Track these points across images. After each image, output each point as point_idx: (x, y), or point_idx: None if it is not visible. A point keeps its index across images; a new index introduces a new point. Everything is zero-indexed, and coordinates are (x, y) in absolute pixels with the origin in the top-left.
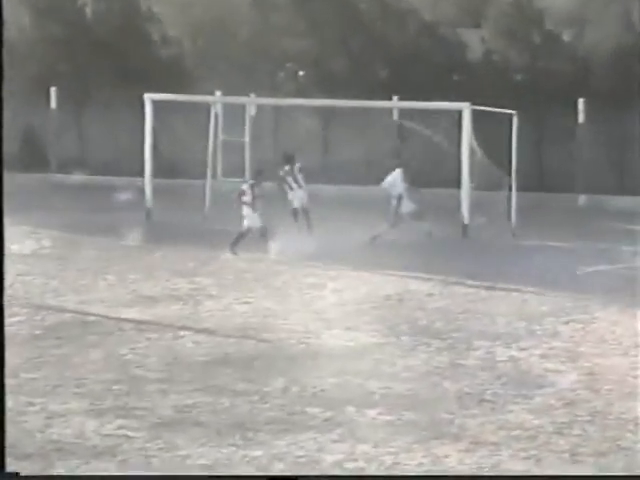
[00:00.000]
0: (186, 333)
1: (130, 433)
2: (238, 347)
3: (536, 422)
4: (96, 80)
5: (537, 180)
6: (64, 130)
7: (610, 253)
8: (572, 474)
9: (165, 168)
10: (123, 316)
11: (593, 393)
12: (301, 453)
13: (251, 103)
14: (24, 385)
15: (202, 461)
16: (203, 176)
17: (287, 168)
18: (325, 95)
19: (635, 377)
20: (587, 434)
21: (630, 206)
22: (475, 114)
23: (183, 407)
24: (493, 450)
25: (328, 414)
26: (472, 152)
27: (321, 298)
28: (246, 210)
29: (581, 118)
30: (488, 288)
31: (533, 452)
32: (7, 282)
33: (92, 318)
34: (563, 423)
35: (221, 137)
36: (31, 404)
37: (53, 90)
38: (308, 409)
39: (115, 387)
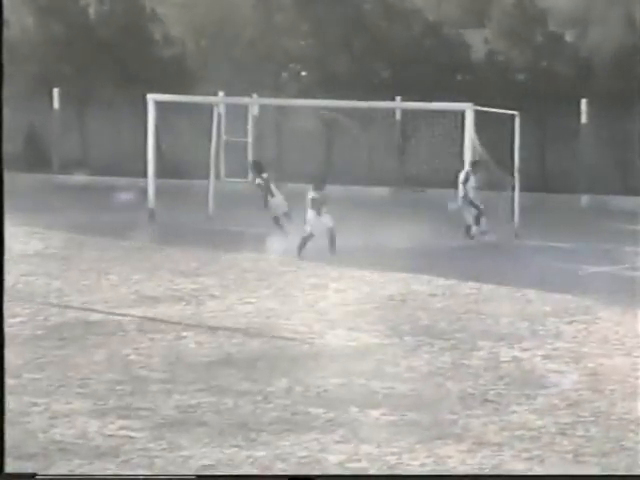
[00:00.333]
0: (189, 333)
1: (133, 433)
2: (241, 347)
3: (539, 422)
4: (99, 81)
5: (540, 180)
6: (67, 130)
7: (613, 253)
8: (575, 474)
9: (168, 168)
10: (127, 317)
11: (596, 393)
12: (304, 453)
13: (254, 103)
14: (27, 385)
15: (205, 461)
16: (206, 176)
17: (265, 175)
18: (328, 95)
19: (638, 377)
20: (590, 434)
21: (633, 206)
22: (478, 114)
23: (186, 407)
24: (496, 450)
25: (331, 414)
26: (474, 152)
27: (324, 298)
28: (310, 214)
29: (584, 118)
30: (491, 288)
31: (536, 452)
32: (10, 282)
33: (95, 318)
34: (566, 423)
35: (224, 137)
36: (34, 404)
37: (56, 90)
38: (311, 409)
39: (118, 387)
